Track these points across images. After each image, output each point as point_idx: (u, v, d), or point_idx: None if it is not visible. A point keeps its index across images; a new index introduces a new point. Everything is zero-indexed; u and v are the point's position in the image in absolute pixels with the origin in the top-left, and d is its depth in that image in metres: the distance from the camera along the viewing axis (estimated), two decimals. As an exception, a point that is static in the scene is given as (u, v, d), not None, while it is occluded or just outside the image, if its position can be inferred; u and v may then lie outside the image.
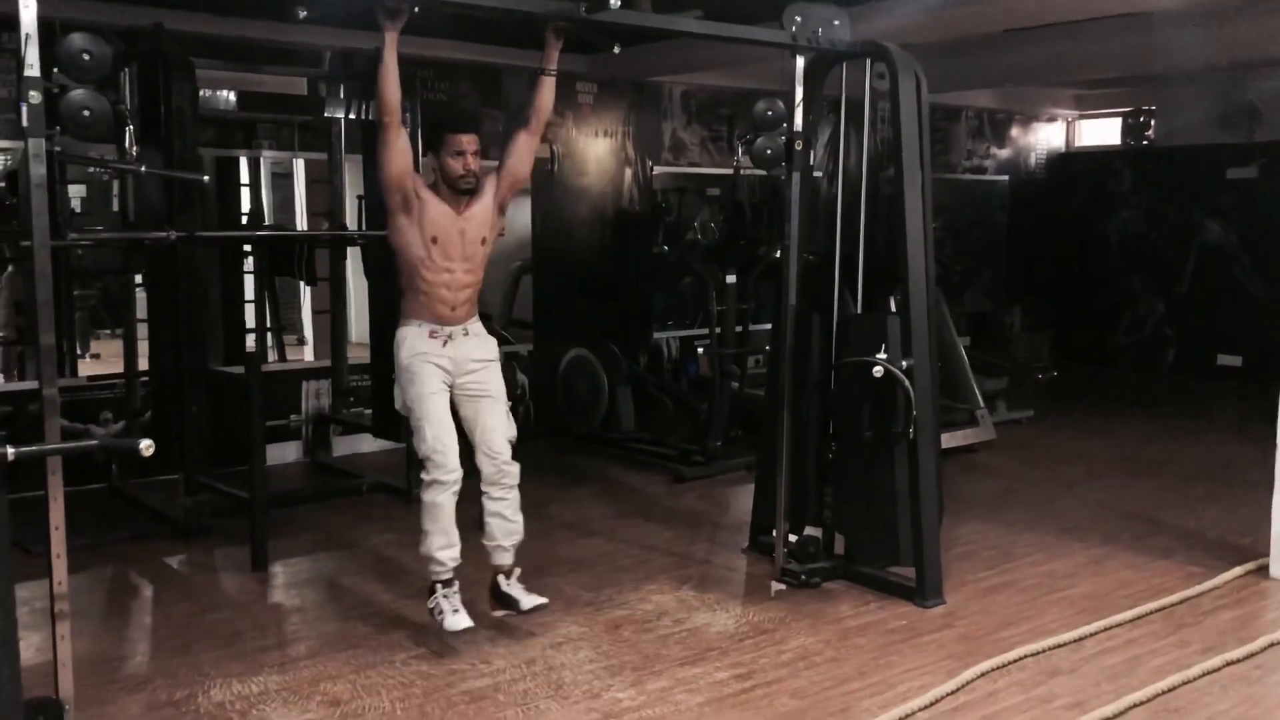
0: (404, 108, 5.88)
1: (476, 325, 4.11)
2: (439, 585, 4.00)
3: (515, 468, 4.09)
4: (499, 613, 4.13)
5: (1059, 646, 3.96)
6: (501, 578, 4.13)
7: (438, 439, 3.89)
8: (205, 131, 6.20)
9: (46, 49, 2.90)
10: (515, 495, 4.11)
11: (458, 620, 3.90)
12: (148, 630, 4.36)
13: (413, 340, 3.99)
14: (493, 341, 4.18)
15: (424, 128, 3.94)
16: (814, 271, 5.19)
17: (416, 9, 3.63)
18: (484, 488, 4.08)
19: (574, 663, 3.83)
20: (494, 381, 4.10)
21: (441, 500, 3.94)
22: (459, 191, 3.95)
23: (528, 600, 4.10)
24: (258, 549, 4.85)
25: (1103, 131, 11.32)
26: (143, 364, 5.80)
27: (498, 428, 4.07)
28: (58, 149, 3.10)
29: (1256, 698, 3.58)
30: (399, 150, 3.84)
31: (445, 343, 3.99)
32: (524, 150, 4.10)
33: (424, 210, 3.90)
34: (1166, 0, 5.70)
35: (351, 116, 6.19)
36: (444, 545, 3.98)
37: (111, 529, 5.39)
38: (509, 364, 7.69)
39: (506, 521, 4.11)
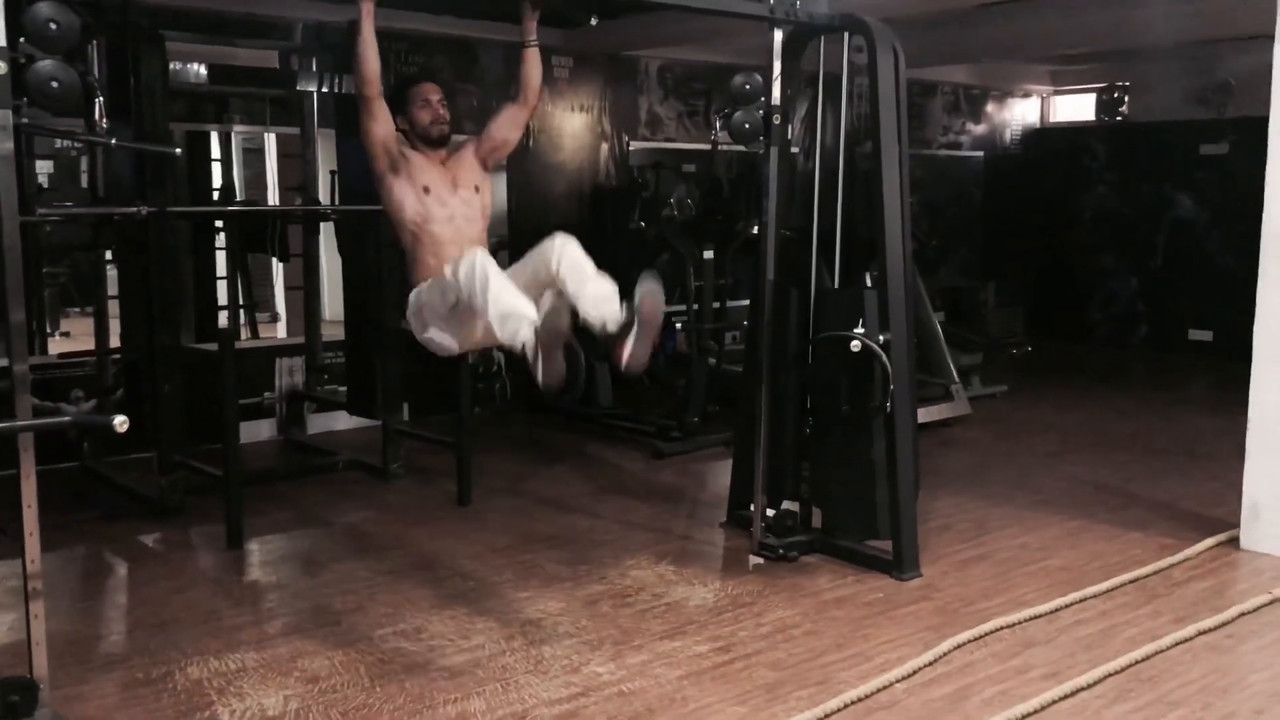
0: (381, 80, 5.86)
1: None
2: (526, 343, 3.40)
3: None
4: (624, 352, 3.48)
5: (1035, 618, 3.99)
6: (610, 322, 3.46)
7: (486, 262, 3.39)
8: (176, 105, 6.12)
9: (13, 18, 2.85)
10: (596, 277, 3.50)
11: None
12: (123, 609, 4.33)
13: (424, 284, 3.72)
14: None
15: (388, 97, 3.87)
16: (791, 247, 5.19)
17: None
18: (563, 278, 3.44)
19: (553, 638, 3.83)
20: None
21: (495, 280, 3.33)
22: (433, 141, 3.89)
23: (634, 298, 3.51)
24: (233, 527, 4.82)
25: (1077, 108, 11.36)
26: (114, 341, 5.74)
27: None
28: (25, 120, 3.04)
29: (1227, 666, 3.63)
30: (382, 117, 3.77)
31: None
32: (509, 118, 4.03)
33: (410, 166, 3.83)
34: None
35: (324, 90, 6.12)
36: (510, 293, 3.37)
37: (85, 508, 5.35)
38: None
39: (597, 285, 3.48)
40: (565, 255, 3.46)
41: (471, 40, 7.39)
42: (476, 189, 3.95)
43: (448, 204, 3.86)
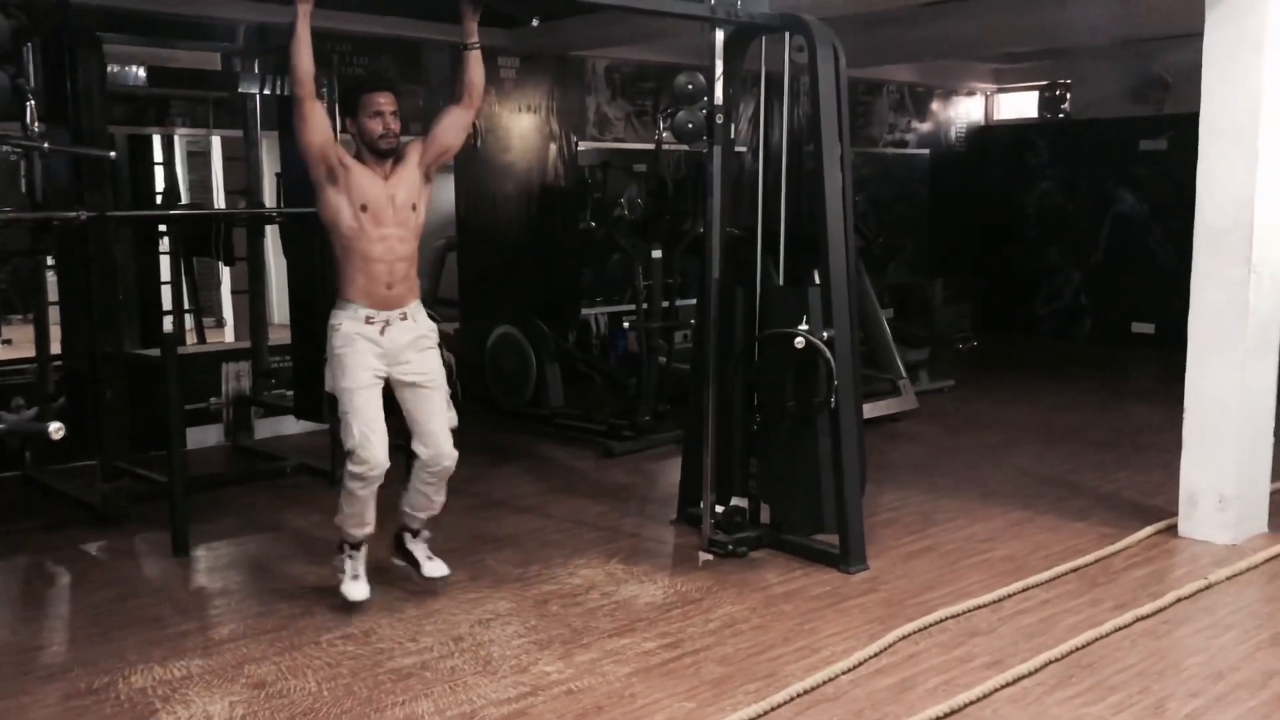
0: (321, 82, 5.80)
1: (416, 308, 4.01)
2: (347, 545, 4.07)
3: (454, 457, 4.08)
4: (398, 562, 4.29)
5: (978, 608, 4.06)
6: (408, 535, 4.25)
7: (364, 436, 3.84)
8: (117, 108, 6.04)
9: (-61, 21, 2.80)
10: (445, 480, 4.13)
11: (355, 588, 4.01)
12: (65, 618, 4.27)
13: (347, 327, 3.90)
14: (432, 327, 4.08)
15: (340, 97, 3.87)
16: (738, 245, 5.23)
17: None
18: (418, 469, 4.08)
19: (502, 638, 3.83)
20: (433, 368, 4.04)
21: (363, 494, 3.94)
22: (380, 154, 3.88)
23: (429, 566, 4.20)
24: (178, 534, 4.77)
25: (1020, 105, 11.52)
26: (56, 348, 5.65)
27: (437, 416, 4.04)
28: (-46, 125, 2.99)
29: (1164, 650, 3.71)
30: (317, 121, 3.77)
31: (383, 329, 3.90)
32: (452, 121, 4.04)
33: (350, 179, 3.83)
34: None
35: (267, 92, 6.06)
36: (358, 525, 4.04)
37: (27, 517, 5.27)
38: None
39: (430, 500, 4.17)
40: (437, 469, 4.08)
41: (416, 41, 7.36)
42: (414, 207, 3.96)
43: (383, 223, 3.87)
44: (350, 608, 4.07)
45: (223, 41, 6.44)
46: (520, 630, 3.90)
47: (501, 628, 3.93)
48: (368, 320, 3.89)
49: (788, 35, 4.63)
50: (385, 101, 3.88)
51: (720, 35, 4.50)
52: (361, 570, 4.06)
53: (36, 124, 4.08)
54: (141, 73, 5.57)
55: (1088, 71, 10.50)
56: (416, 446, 4.04)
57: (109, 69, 5.20)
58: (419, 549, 4.24)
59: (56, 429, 2.79)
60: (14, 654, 3.72)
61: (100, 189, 5.03)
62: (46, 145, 4.18)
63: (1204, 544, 4.72)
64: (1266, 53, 4.49)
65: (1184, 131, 4.81)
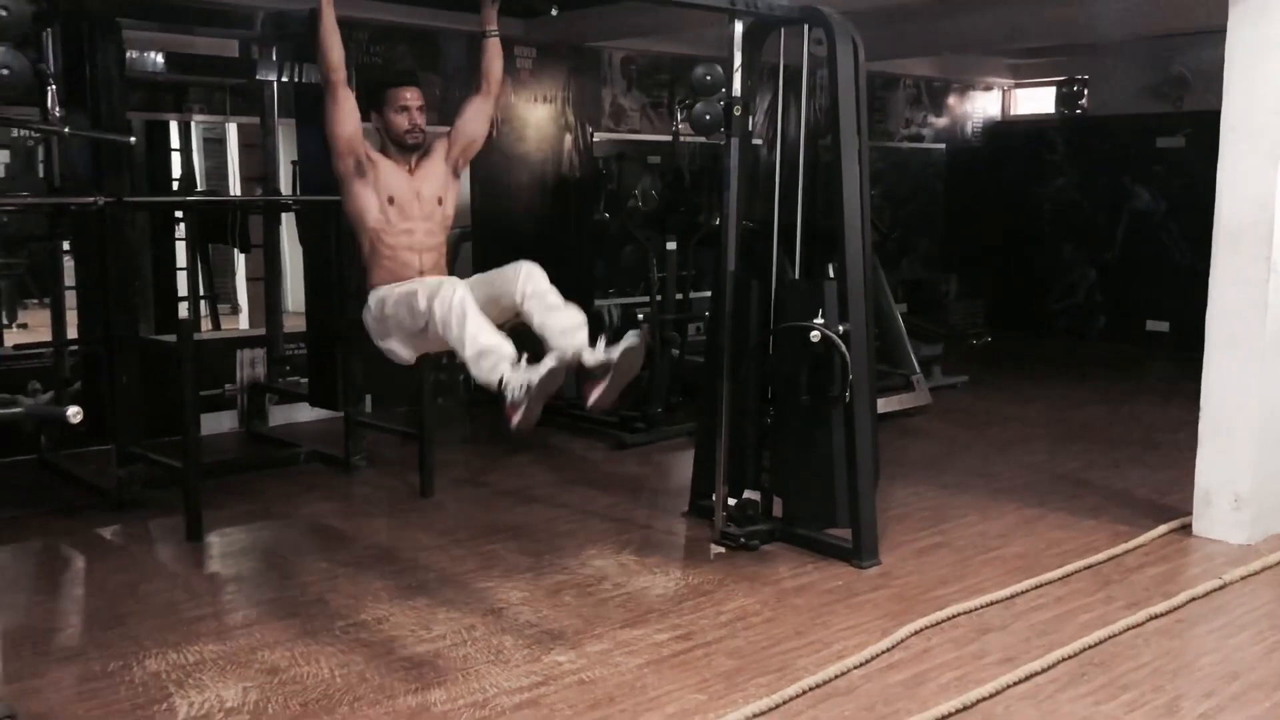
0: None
1: None
2: (504, 378, 3.35)
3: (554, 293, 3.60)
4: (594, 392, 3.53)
5: (991, 604, 4.05)
6: (586, 353, 3.50)
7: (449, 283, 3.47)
8: (134, 95, 6.04)
9: (-38, 5, 2.81)
10: (564, 306, 3.58)
11: (540, 366, 3.31)
12: (80, 602, 4.30)
13: (386, 291, 3.72)
14: None
15: (364, 89, 3.83)
16: (753, 238, 5.22)
17: None
18: (527, 316, 3.57)
19: (514, 628, 3.84)
20: None
21: (469, 308, 3.37)
22: (406, 149, 3.84)
23: (616, 350, 3.47)
24: (192, 519, 4.79)
25: (1037, 100, 11.45)
26: (72, 333, 5.67)
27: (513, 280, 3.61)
28: (-25, 108, 3.01)
29: (1177, 650, 3.70)
30: (348, 109, 3.70)
31: None
32: (474, 112, 3.99)
33: (377, 172, 3.78)
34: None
35: (285, 79, 6.06)
36: (496, 353, 3.37)
37: (42, 501, 5.29)
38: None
39: (564, 315, 3.55)
40: (530, 285, 3.56)
41: (433, 30, 7.35)
42: (440, 201, 3.90)
43: (410, 217, 3.81)
44: (361, 594, 4.09)
45: (241, 28, 6.44)
46: (532, 620, 3.91)
47: (514, 617, 3.93)
48: None
49: (807, 28, 4.61)
50: (412, 96, 3.83)
51: (739, 27, 4.49)
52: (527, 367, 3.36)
53: (57, 108, 4.08)
54: (160, 59, 5.57)
55: (1106, 68, 10.44)
56: (513, 303, 3.59)
57: (128, 55, 5.20)
58: (601, 352, 3.49)
59: (75, 413, 2.80)
60: (29, 636, 3.74)
61: (118, 175, 5.04)
62: (67, 129, 4.18)
63: (1219, 543, 4.71)
64: (1290, 51, 4.46)
65: (1202, 129, 4.80)
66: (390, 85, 3.87)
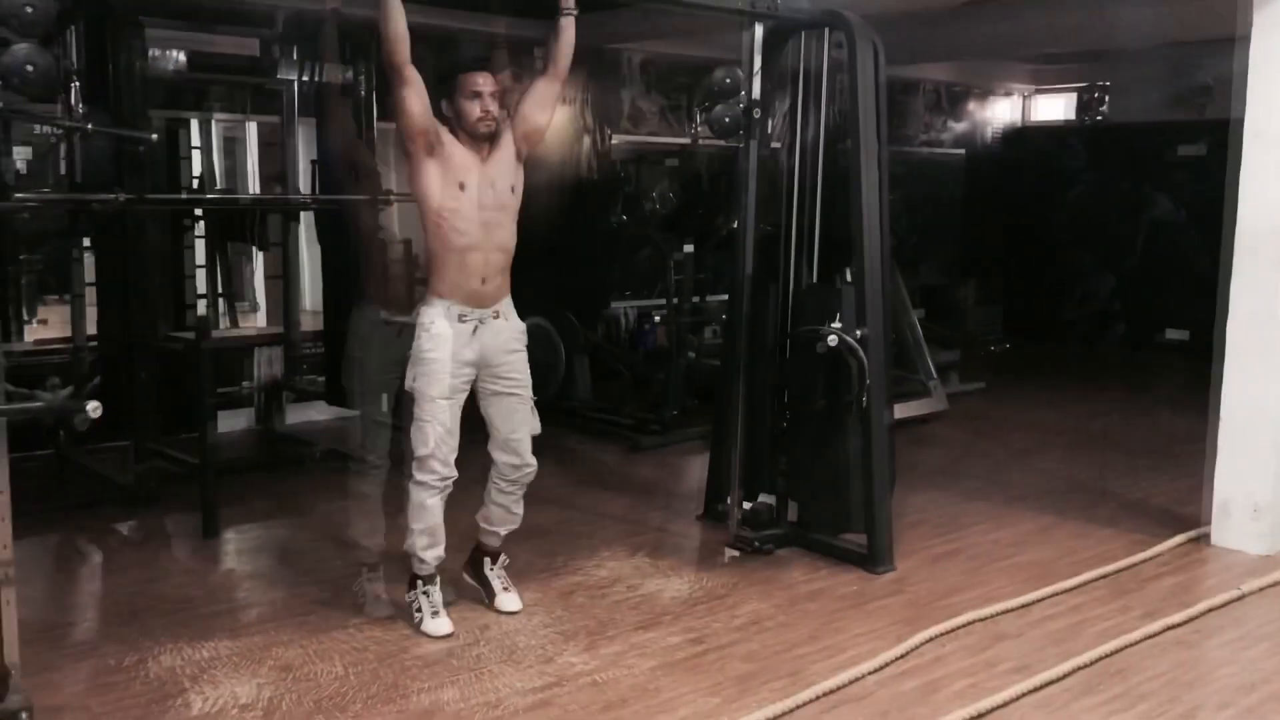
0: (360, 71, 5.84)
1: (508, 307, 3.80)
2: (420, 581, 3.83)
3: (534, 467, 3.94)
4: (469, 580, 4.08)
5: (1005, 612, 4.03)
6: (487, 560, 4.04)
7: (440, 444, 3.70)
8: (154, 93, 6.08)
9: (-14, 2, 2.83)
10: (524, 489, 3.98)
11: (437, 625, 3.75)
12: (96, 597, 4.32)
13: (439, 327, 3.66)
14: (522, 328, 3.86)
15: (435, 76, 3.65)
16: (770, 242, 5.21)
17: None
18: (496, 479, 3.94)
19: (527, 628, 3.84)
20: (522, 374, 3.85)
21: (431, 503, 3.77)
22: (479, 137, 3.65)
23: (504, 598, 3.98)
24: (208, 516, 4.81)
25: (1057, 107, 11.43)
26: (91, 330, 5.70)
27: (523, 425, 3.88)
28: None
29: (1194, 660, 3.67)
30: (418, 88, 3.52)
31: (475, 329, 3.69)
32: (540, 96, 3.78)
33: (449, 155, 3.61)
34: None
35: (305, 79, 6.08)
36: (428, 545, 3.80)
37: (60, 496, 5.32)
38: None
39: (509, 513, 3.98)
40: (521, 475, 3.98)
41: (453, 31, 7.36)
42: (513, 189, 3.75)
43: (484, 207, 3.65)
44: (375, 592, 4.10)
45: (262, 28, 6.48)
46: (545, 621, 3.91)
47: (527, 618, 3.94)
48: (460, 319, 3.67)
49: (827, 31, 4.61)
50: (484, 82, 3.64)
51: (759, 30, 4.49)
52: (440, 604, 3.81)
53: (80, 106, 4.10)
54: (181, 57, 5.60)
55: (1126, 75, 10.40)
56: (497, 454, 3.90)
57: (149, 53, 5.24)
58: (496, 578, 4.02)
59: (95, 408, 2.82)
60: (46, 631, 3.75)
61: (140, 173, 5.08)
62: (90, 126, 4.21)
63: (1237, 553, 4.67)
64: (1313, 60, 4.43)
65: (1223, 138, 4.74)
66: (461, 70, 3.67)
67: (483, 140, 3.69)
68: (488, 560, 4.05)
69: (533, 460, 3.92)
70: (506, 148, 3.76)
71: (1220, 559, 4.65)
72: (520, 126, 3.79)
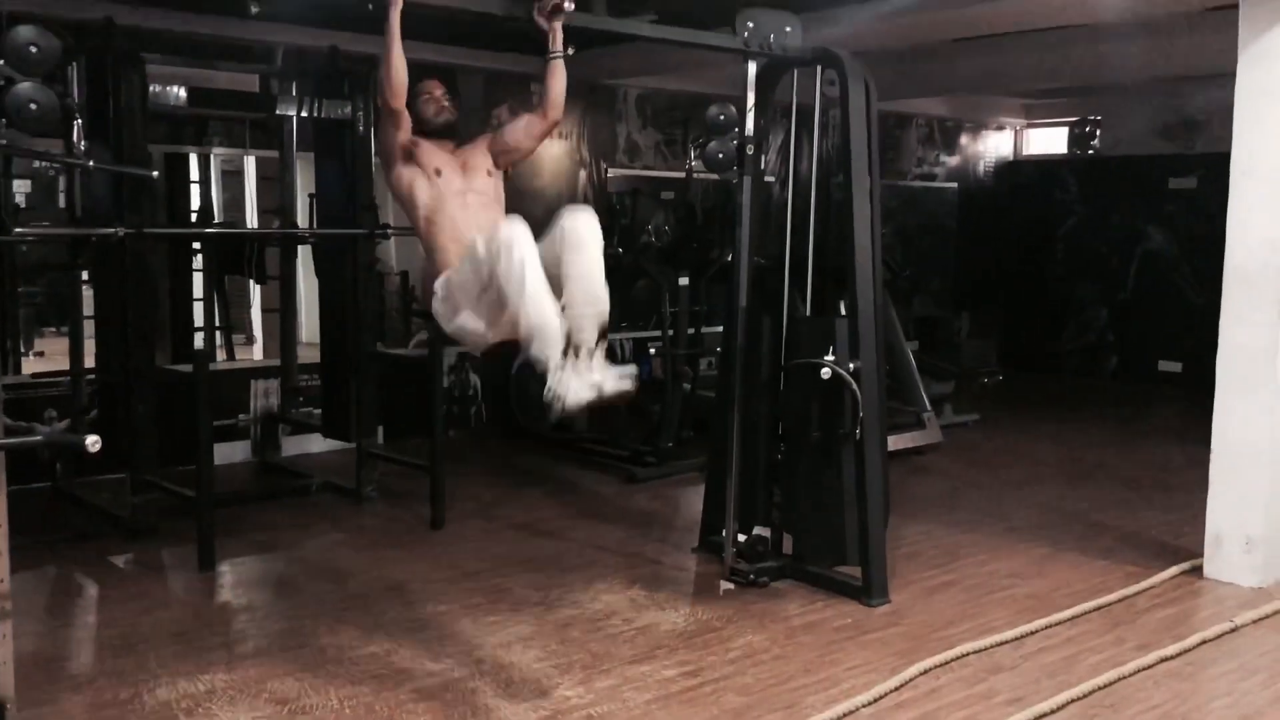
0: (359, 107, 5.89)
1: None
2: (555, 358, 3.24)
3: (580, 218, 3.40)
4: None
5: (1001, 644, 4.04)
6: (584, 354, 3.31)
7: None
8: (155, 127, 6.14)
9: (-7, 41, 2.88)
10: (596, 254, 3.36)
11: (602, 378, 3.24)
12: (92, 629, 4.32)
13: (452, 270, 3.57)
14: None
15: None
16: (765, 274, 5.26)
17: None
18: (561, 252, 3.33)
19: (523, 662, 3.84)
20: None
21: (526, 266, 3.17)
22: (439, 128, 3.77)
23: (613, 378, 3.33)
24: (205, 548, 4.82)
25: (1050, 140, 11.52)
26: (89, 362, 5.72)
27: None
28: (2, 142, 3.06)
29: (1188, 693, 3.68)
30: (405, 125, 3.66)
31: None
32: (526, 124, 3.90)
33: (420, 151, 3.72)
34: (1108, 13, 5.83)
35: (304, 114, 6.15)
36: (547, 315, 3.21)
37: (56, 528, 5.33)
38: (462, 364, 7.71)
39: (589, 284, 3.32)
40: (569, 233, 3.32)
41: (451, 67, 7.43)
42: (489, 173, 3.83)
43: (462, 183, 3.72)
44: (371, 625, 4.10)
45: (262, 64, 6.55)
46: (541, 654, 3.91)
47: (523, 651, 3.94)
48: None
49: (820, 68, 4.67)
50: (433, 85, 3.83)
51: (753, 67, 4.55)
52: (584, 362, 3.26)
53: (82, 141, 4.15)
54: (182, 93, 5.66)
55: (1117, 109, 10.50)
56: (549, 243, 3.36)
57: (151, 88, 5.29)
58: (599, 367, 3.31)
59: (94, 442, 2.83)
60: (41, 663, 3.76)
61: (140, 207, 5.11)
62: (92, 163, 4.25)
63: (1230, 586, 4.69)
64: (1299, 94, 4.50)
65: (1214, 171, 4.81)
66: (414, 84, 3.76)
67: (447, 135, 3.80)
68: (584, 354, 3.31)
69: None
70: (479, 146, 3.87)
71: (1214, 591, 4.66)
72: (496, 143, 3.89)
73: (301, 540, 5.29)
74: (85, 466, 5.77)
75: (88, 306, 5.75)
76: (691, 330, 7.23)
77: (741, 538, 4.68)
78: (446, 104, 3.82)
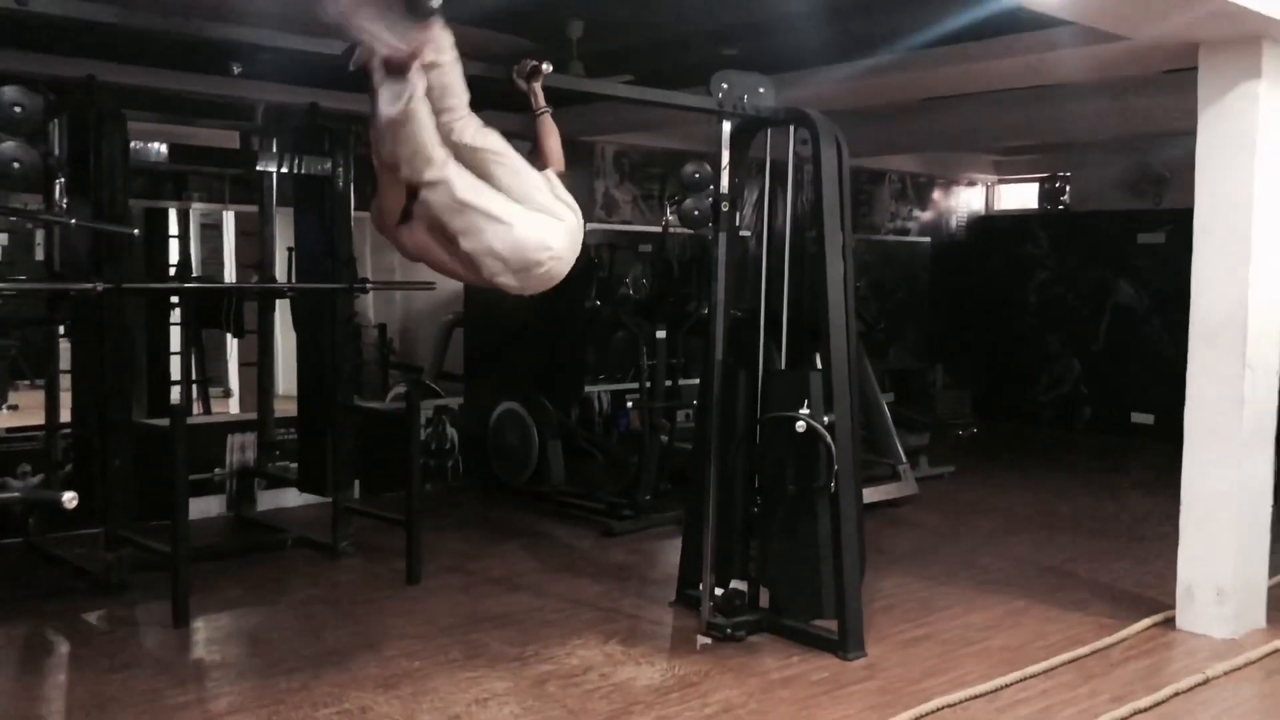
0: (338, 162, 5.96)
1: None
2: None
3: None
4: None
5: (976, 697, 4.05)
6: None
7: None
8: (135, 182, 6.17)
9: (-23, 102, 2.91)
10: None
11: None
12: (63, 688, 4.26)
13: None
14: None
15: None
16: (741, 328, 5.32)
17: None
18: None
19: (499, 718, 3.83)
20: None
21: None
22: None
23: None
24: (179, 604, 4.78)
25: (1021, 196, 11.73)
26: (64, 415, 5.70)
27: None
28: (-15, 200, 3.09)
29: (1162, 745, 3.71)
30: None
31: None
32: None
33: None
34: (1069, 75, 5.98)
35: (284, 170, 6.20)
36: None
37: (27, 585, 5.28)
38: (439, 417, 7.72)
39: None
40: None
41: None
42: None
43: None
44: (346, 681, 4.08)
45: (242, 120, 6.61)
46: (517, 710, 3.90)
47: (498, 707, 3.92)
48: None
49: (793, 127, 4.77)
50: None
51: (727, 127, 4.64)
52: None
53: (63, 198, 4.17)
54: (163, 148, 5.70)
55: (1086, 165, 10.70)
56: None
57: (132, 144, 5.34)
58: None
59: (70, 498, 2.84)
60: (11, 723, 3.72)
61: (118, 261, 5.13)
62: (74, 221, 4.27)
63: (1202, 637, 4.72)
64: (1258, 153, 4.61)
65: (1182, 225, 4.91)
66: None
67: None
68: None
69: None
70: None
71: (1186, 643, 4.70)
72: None
73: (277, 596, 5.26)
74: (58, 521, 5.73)
75: (64, 360, 5.74)
76: (669, 383, 7.27)
77: (719, 591, 4.69)
78: None
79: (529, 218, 3.57)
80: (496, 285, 3.67)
